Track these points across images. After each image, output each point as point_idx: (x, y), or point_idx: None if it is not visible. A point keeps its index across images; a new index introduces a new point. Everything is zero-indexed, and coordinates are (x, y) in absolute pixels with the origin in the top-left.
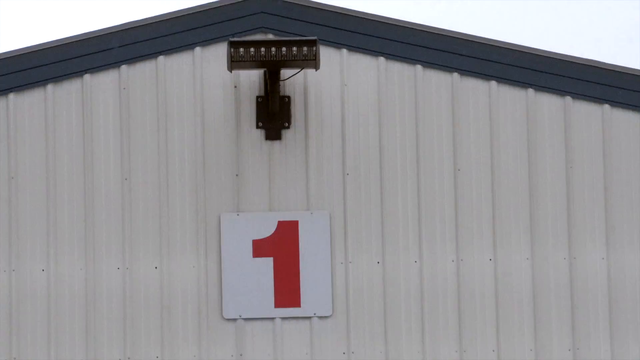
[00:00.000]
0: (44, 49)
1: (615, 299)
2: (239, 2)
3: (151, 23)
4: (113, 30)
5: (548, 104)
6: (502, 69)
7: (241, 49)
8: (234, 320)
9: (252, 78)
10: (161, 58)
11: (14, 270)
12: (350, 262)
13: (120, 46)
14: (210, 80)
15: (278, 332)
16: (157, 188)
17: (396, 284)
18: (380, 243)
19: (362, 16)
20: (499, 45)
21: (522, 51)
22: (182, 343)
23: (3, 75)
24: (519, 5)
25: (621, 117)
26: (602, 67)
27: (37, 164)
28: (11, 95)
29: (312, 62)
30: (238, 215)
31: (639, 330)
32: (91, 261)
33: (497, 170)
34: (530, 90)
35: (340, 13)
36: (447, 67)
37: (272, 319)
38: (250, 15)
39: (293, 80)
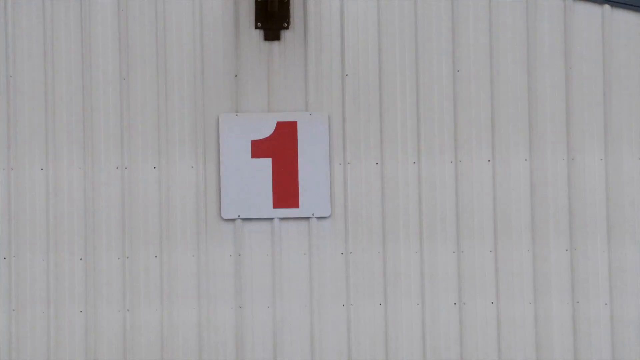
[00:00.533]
0: None
1: (613, 200)
2: None
3: None
4: None
5: (548, 5)
6: None
7: None
8: (233, 220)
9: None
10: None
11: (12, 169)
12: (348, 163)
13: None
14: None
15: (276, 232)
16: (156, 88)
17: (394, 185)
18: (378, 144)
19: None
20: None
21: None
22: (180, 243)
23: None
24: None
25: (621, 18)
26: None
27: (36, 63)
28: None
29: None
30: (237, 115)
31: (636, 232)
32: (89, 160)
33: (496, 72)
34: None
35: None
36: None
37: (271, 219)
38: None
39: None
